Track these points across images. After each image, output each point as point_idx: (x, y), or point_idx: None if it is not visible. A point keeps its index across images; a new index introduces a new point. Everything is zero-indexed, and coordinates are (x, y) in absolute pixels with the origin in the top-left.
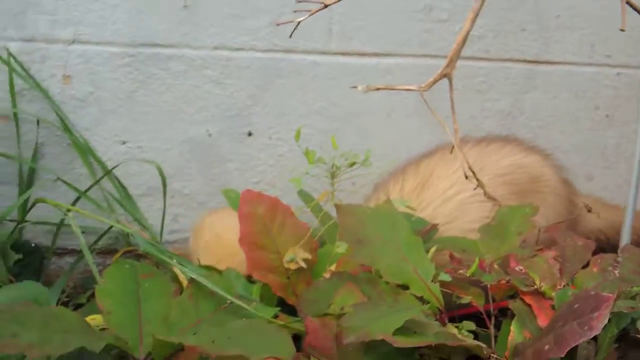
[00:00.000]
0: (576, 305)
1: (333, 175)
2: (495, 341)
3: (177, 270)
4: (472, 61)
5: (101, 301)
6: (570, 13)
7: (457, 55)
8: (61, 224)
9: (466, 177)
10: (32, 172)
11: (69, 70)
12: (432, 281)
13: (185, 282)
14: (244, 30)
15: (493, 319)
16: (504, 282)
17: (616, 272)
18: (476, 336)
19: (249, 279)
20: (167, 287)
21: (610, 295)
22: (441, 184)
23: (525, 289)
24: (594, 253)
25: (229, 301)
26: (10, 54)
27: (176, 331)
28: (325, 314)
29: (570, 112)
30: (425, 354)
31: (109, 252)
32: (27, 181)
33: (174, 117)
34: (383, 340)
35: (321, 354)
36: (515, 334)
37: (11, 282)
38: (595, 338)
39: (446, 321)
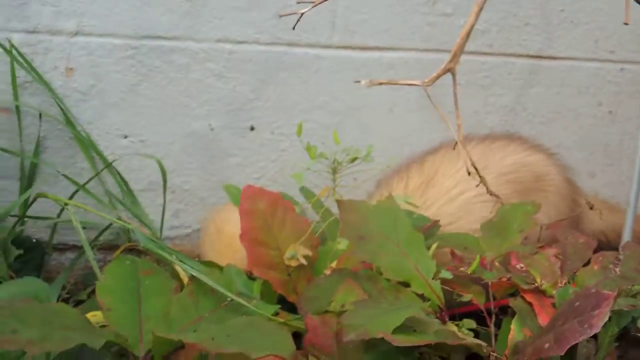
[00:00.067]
0: (577, 304)
1: (334, 171)
2: (496, 339)
3: (177, 267)
4: (475, 56)
5: (101, 298)
6: (574, 8)
7: (461, 50)
8: (58, 218)
9: (469, 174)
10: (34, 166)
11: (71, 63)
12: (433, 278)
13: (185, 279)
14: (247, 23)
15: (494, 317)
16: (504, 279)
17: (617, 270)
18: (477, 334)
19: (250, 275)
20: (167, 284)
21: (611, 293)
22: (446, 183)
23: (526, 287)
24: (595, 251)
25: (229, 299)
26: (12, 46)
27: (176, 328)
28: (326, 312)
29: (573, 108)
30: (425, 352)
31: (110, 247)
32: (28, 176)
33: (177, 110)
34: (383, 338)
35: (321, 351)
36: (515, 332)
37: (12, 278)
38: (595, 336)
39: (446, 319)
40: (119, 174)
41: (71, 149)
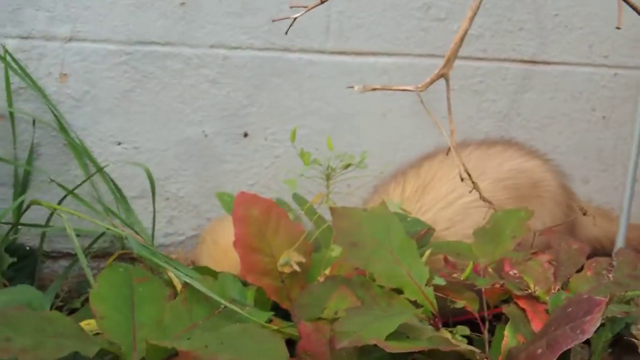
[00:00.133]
0: (569, 309)
1: (328, 177)
2: (490, 346)
3: (171, 274)
4: (469, 61)
5: (95, 306)
6: (569, 12)
7: (454, 55)
8: (47, 224)
9: (462, 180)
10: (28, 173)
11: (65, 69)
12: (426, 285)
13: (179, 286)
14: (241, 29)
15: (487, 323)
16: (498, 286)
17: (610, 276)
18: (470, 341)
19: (245, 282)
20: (161, 291)
21: (603, 299)
22: (443, 188)
23: (519, 293)
24: (589, 257)
25: (222, 306)
26: (6, 51)
27: (170, 336)
28: (319, 319)
29: (567, 113)
30: (418, 358)
31: (103, 255)
32: (22, 183)
33: (170, 117)
34: (376, 345)
35: (314, 358)
36: (508, 338)
37: (5, 286)
38: (588, 342)
39: (440, 326)
40: (112, 180)
41: (65, 156)
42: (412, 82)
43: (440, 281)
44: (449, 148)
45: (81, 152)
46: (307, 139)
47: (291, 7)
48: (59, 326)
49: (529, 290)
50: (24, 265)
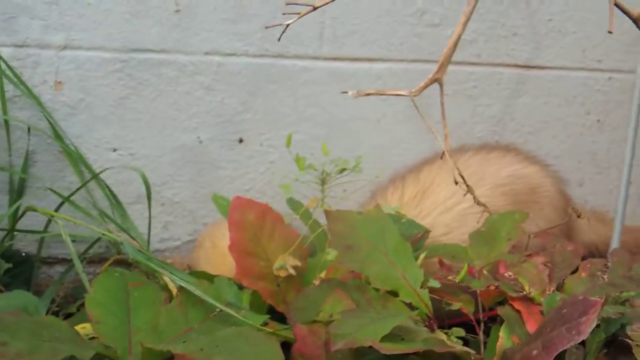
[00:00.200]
0: (564, 310)
1: (323, 182)
2: (485, 347)
3: (166, 278)
4: (463, 66)
5: (91, 310)
6: (562, 17)
7: (448, 60)
8: (45, 231)
9: (456, 183)
10: (23, 180)
11: (60, 76)
12: (421, 287)
13: (174, 291)
14: (235, 36)
15: (482, 325)
16: (493, 287)
17: (605, 277)
18: (466, 343)
19: (241, 286)
20: (156, 295)
21: (598, 300)
22: (442, 193)
23: (514, 295)
24: (583, 259)
25: (218, 309)
26: (1, 59)
27: (165, 340)
28: (315, 321)
29: (561, 118)
30: None
31: (99, 260)
32: (17, 190)
33: (165, 123)
34: (372, 347)
35: None
36: (504, 339)
37: (1, 291)
38: (583, 343)
39: (435, 327)
40: (107, 187)
41: (60, 163)
42: (406, 87)
43: (435, 283)
44: (443, 152)
45: (76, 159)
46: (302, 145)
47: (283, 14)
48: (55, 330)
49: (524, 292)
50: (20, 271)
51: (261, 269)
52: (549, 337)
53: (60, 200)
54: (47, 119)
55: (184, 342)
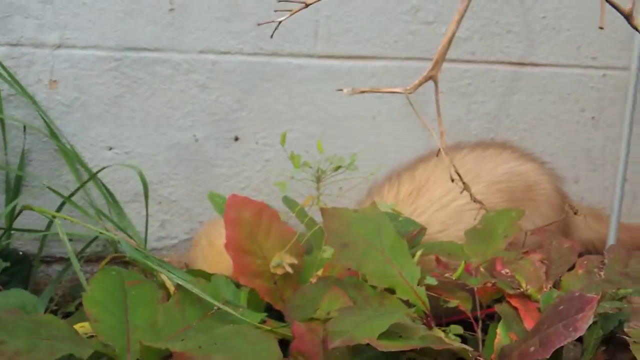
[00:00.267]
0: (561, 307)
1: (319, 180)
2: (483, 345)
3: (164, 276)
4: (458, 64)
5: (88, 309)
6: (556, 15)
7: (442, 58)
8: (44, 231)
9: (452, 181)
10: (19, 179)
11: (55, 75)
12: (418, 285)
13: (172, 289)
14: (230, 34)
15: (480, 323)
16: (490, 285)
17: (602, 273)
18: (464, 340)
19: (238, 284)
20: (154, 294)
21: (594, 296)
22: (437, 191)
23: (511, 292)
24: (580, 256)
25: (215, 307)
26: None
27: (163, 338)
28: (312, 319)
29: (556, 115)
30: (412, 357)
31: (97, 259)
32: (14, 188)
33: (161, 122)
34: (369, 344)
35: (308, 358)
36: (501, 336)
37: None
38: (581, 340)
39: (433, 324)
40: (104, 185)
41: (56, 162)
42: (401, 85)
43: (432, 281)
44: (439, 150)
45: (72, 158)
46: (298, 143)
47: (275, 11)
48: (53, 329)
49: (521, 289)
50: (18, 270)
51: (258, 266)
52: (546, 334)
53: (57, 198)
54: (43, 118)
55: (182, 340)
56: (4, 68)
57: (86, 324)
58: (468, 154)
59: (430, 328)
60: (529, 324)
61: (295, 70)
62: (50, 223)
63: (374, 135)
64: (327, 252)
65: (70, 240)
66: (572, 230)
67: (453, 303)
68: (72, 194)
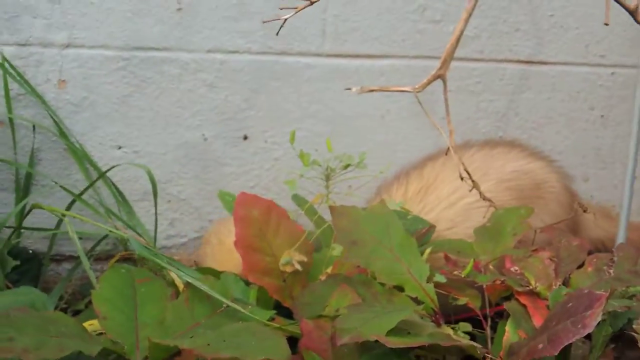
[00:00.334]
0: (570, 304)
1: (328, 178)
2: (492, 342)
3: (173, 274)
4: (466, 62)
5: (98, 306)
6: (564, 13)
7: (450, 56)
8: (54, 229)
9: (462, 179)
10: (29, 178)
11: (63, 75)
12: (426, 282)
13: (181, 287)
14: (238, 33)
15: (489, 320)
16: (499, 282)
17: (611, 271)
18: (473, 338)
19: (247, 282)
20: (163, 291)
21: (603, 293)
22: (445, 189)
23: (520, 289)
24: (589, 253)
25: (224, 305)
26: (5, 58)
27: (172, 335)
28: (321, 316)
29: (565, 113)
30: (420, 354)
31: (106, 257)
32: (23, 187)
33: (169, 121)
34: (378, 341)
35: (316, 355)
36: (510, 333)
37: (9, 288)
38: (589, 337)
39: (441, 322)
40: (113, 184)
41: (65, 161)
42: (409, 83)
43: (440, 278)
44: (448, 148)
45: (81, 157)
46: (306, 141)
47: (281, 9)
48: (62, 326)
49: (530, 287)
50: (28, 268)
51: (267, 264)
52: (555, 331)
53: (66, 197)
54: (52, 117)
55: (190, 337)
56: (13, 68)
57: (95, 322)
58: (476, 152)
59: (438, 325)
60: (537, 321)
61: (304, 69)
62: (59, 222)
63: (383, 134)
64: (336, 249)
65: (80, 238)
66: (581, 228)
67: (462, 300)
68: (82, 192)
